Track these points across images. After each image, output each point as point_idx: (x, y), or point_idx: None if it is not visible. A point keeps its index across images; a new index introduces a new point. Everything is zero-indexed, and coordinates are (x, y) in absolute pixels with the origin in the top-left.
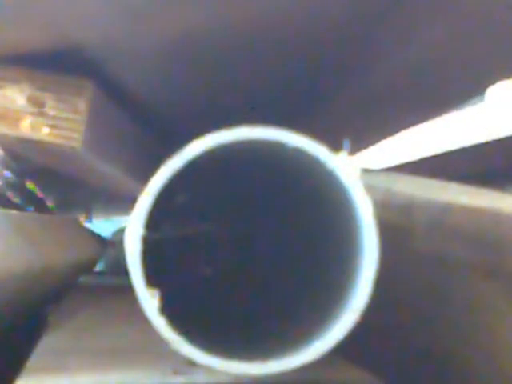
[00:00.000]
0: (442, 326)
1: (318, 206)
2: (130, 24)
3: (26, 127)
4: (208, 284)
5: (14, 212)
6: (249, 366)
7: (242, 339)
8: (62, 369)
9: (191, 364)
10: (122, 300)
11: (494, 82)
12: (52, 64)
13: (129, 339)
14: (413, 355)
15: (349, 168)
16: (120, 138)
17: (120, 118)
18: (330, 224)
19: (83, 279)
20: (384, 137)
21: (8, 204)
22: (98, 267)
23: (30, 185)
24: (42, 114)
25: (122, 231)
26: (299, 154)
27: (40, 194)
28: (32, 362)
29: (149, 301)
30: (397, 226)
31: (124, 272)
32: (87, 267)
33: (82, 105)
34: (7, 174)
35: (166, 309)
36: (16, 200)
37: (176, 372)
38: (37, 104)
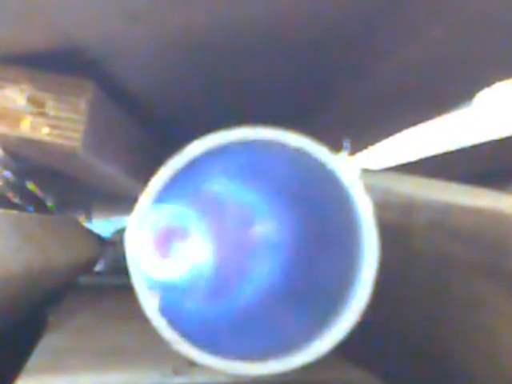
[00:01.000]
0: (441, 325)
1: (317, 206)
2: (130, 24)
3: (26, 127)
4: (208, 284)
5: (14, 212)
6: (249, 366)
7: (242, 339)
8: (62, 369)
9: (191, 364)
10: (122, 300)
11: (493, 82)
12: (52, 64)
13: (129, 339)
14: (413, 355)
15: (349, 168)
16: (120, 138)
17: (120, 118)
18: (330, 224)
19: (83, 279)
20: (384, 137)
21: (8, 204)
22: (98, 267)
23: (30, 185)
24: (42, 114)
25: (122, 231)
26: (299, 154)
27: (40, 194)
28: (32, 362)
29: (149, 301)
30: (397, 226)
31: (124, 272)
32: (87, 267)
33: (82, 105)
34: (7, 174)
35: (166, 309)
36: (16, 200)
37: (176, 372)
38: (37, 104)
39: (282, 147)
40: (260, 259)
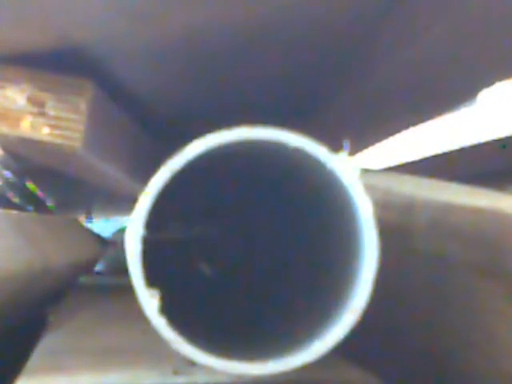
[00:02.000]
0: (441, 325)
1: (318, 206)
2: (130, 24)
3: (27, 127)
4: (208, 284)
5: (14, 212)
6: (249, 366)
7: (242, 339)
8: (62, 369)
9: (191, 364)
10: (122, 300)
11: (493, 82)
12: (52, 64)
13: (129, 339)
14: (412, 355)
15: (349, 168)
16: (120, 138)
17: (120, 118)
18: (330, 224)
19: (83, 279)
20: (384, 137)
21: (8, 204)
22: (98, 267)
23: (30, 185)
24: (42, 114)
25: (122, 231)
26: (299, 154)
27: (40, 194)
28: (32, 362)
29: (149, 301)
30: (397, 225)
31: (124, 272)
32: (87, 267)
33: (82, 105)
34: (7, 174)
35: (166, 309)
36: (16, 200)
37: (176, 372)
38: (37, 104)
39: (282, 147)
40: (260, 258)
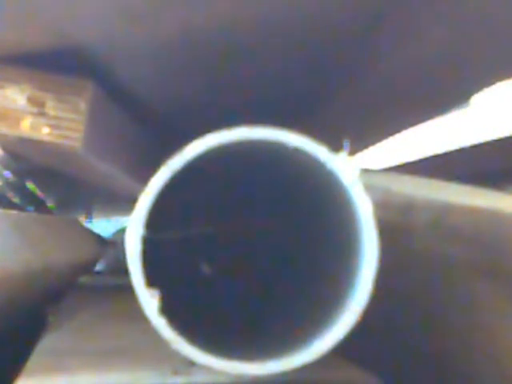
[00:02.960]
0: (441, 325)
1: (318, 206)
2: (130, 24)
3: (26, 127)
4: (208, 284)
5: (14, 212)
6: (249, 366)
7: (242, 339)
8: (62, 369)
9: (191, 364)
10: (122, 300)
11: (493, 82)
12: (52, 64)
13: (129, 339)
14: (412, 355)
15: (349, 168)
16: (120, 138)
17: (120, 118)
18: (330, 224)
19: (83, 279)
20: (384, 137)
21: (8, 204)
22: (98, 267)
23: (30, 185)
24: (42, 114)
25: (122, 231)
26: (299, 154)
27: (40, 194)
28: (32, 362)
29: (149, 301)
30: (397, 225)
31: (124, 272)
32: (87, 267)
33: (82, 105)
34: (7, 174)
35: (166, 309)
36: (16, 200)
37: (176, 372)
38: (37, 104)
39: (282, 147)
40: (260, 258)
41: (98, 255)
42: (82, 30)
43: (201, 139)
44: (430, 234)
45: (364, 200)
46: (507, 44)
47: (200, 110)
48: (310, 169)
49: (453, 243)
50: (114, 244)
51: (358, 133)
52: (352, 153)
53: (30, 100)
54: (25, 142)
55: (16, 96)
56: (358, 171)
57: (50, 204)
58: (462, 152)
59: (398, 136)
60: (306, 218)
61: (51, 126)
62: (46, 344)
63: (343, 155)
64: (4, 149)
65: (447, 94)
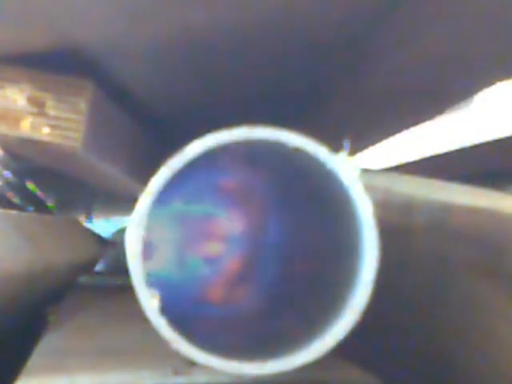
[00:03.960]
0: (441, 325)
1: (317, 206)
2: (130, 24)
3: (26, 127)
4: (208, 284)
5: (14, 212)
6: (249, 366)
7: (242, 339)
8: (62, 369)
9: (191, 364)
10: (122, 300)
11: (494, 83)
12: (52, 64)
13: (129, 339)
14: (413, 355)
15: (349, 168)
16: (120, 138)
17: (120, 118)
18: (330, 224)
19: (83, 279)
20: (384, 137)
21: (8, 204)
22: (98, 267)
23: (30, 185)
24: (42, 114)
25: (122, 231)
26: (299, 154)
27: (40, 194)
28: (32, 361)
29: (149, 301)
30: (397, 226)
31: (124, 272)
32: (87, 267)
33: (82, 105)
34: (7, 174)
35: (166, 309)
36: (16, 200)
37: (176, 372)
38: (37, 104)
39: (282, 147)
40: (260, 259)
41: (98, 255)
42: (82, 30)
43: (201, 139)
44: (430, 234)
45: (364, 200)
46: (507, 44)
47: (200, 110)
48: (310, 169)
49: (453, 243)
50: (114, 244)
51: (358, 133)
52: (352, 153)
53: (30, 100)
54: (25, 141)
55: (16, 96)
56: (358, 171)
57: (50, 204)
58: (462, 152)
59: (398, 136)
60: (305, 217)
61: (51, 126)
62: (46, 344)
63: (343, 155)
64: (4, 149)
65: (447, 94)
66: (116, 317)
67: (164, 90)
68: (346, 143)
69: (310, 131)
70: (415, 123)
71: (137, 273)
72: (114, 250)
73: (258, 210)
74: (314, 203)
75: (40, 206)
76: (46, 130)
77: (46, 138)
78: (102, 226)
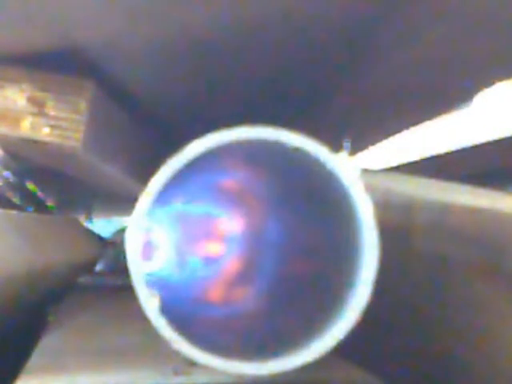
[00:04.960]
0: (441, 325)
1: (318, 206)
2: (130, 24)
3: (26, 127)
4: (208, 284)
5: (14, 212)
6: (249, 366)
7: (242, 339)
8: (62, 369)
9: (191, 364)
10: (122, 300)
11: (494, 83)
12: (52, 64)
13: (129, 339)
14: (412, 355)
15: (349, 168)
16: (120, 138)
17: (120, 118)
18: (330, 224)
19: (83, 279)
20: (384, 137)
21: (8, 204)
22: (98, 267)
23: (30, 185)
24: (42, 114)
25: (122, 231)
26: (299, 154)
27: (40, 194)
28: (32, 361)
29: (149, 301)
30: (397, 225)
31: (124, 272)
32: (87, 267)
33: (82, 105)
34: (7, 174)
35: (166, 309)
36: (16, 200)
37: (176, 372)
38: (37, 104)
39: (282, 147)
40: (260, 259)
41: (98, 255)
42: (82, 30)
43: (201, 139)
44: (430, 233)
45: (364, 200)
46: (507, 44)
47: (200, 110)
48: (310, 169)
49: (453, 243)
50: (114, 244)
51: (358, 133)
52: (352, 153)
53: (30, 100)
54: (25, 142)
55: (16, 96)
56: (358, 171)
57: (50, 204)
58: (462, 152)
59: (398, 136)
60: (305, 217)
61: (51, 126)
62: (46, 344)
63: (343, 155)
64: (4, 149)
65: (447, 94)
66: (116, 317)
67: (164, 90)
68: (346, 143)
69: (310, 131)
70: (415, 123)
71: (137, 273)
72: (114, 250)
73: (258, 210)
74: (314, 203)
75: (40, 206)
76: (45, 130)
77: (46, 138)
78: (102, 225)
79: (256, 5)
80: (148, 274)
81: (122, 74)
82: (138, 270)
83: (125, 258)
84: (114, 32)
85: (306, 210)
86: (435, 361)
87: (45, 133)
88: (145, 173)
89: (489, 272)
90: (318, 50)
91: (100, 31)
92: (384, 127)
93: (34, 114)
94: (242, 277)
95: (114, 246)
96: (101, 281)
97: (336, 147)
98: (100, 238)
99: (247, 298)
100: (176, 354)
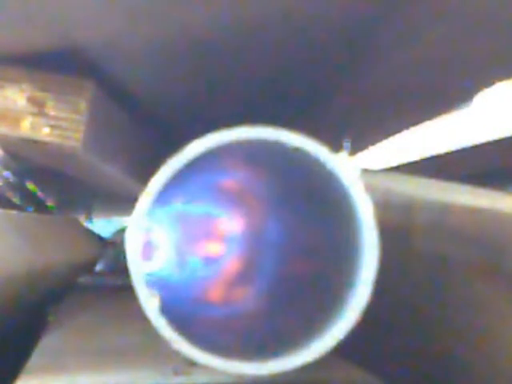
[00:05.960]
0: (441, 325)
1: (318, 206)
2: (130, 24)
3: (26, 127)
4: (208, 284)
5: (14, 212)
6: (249, 366)
7: (242, 339)
8: (62, 369)
9: (191, 364)
10: (122, 300)
11: (494, 83)
12: (52, 64)
13: (129, 339)
14: (412, 355)
15: (349, 168)
16: (120, 138)
17: (120, 118)
18: (330, 224)
19: (83, 279)
20: (384, 137)
21: (8, 204)
22: (98, 267)
23: (30, 185)
24: (42, 114)
25: (122, 231)
26: (299, 154)
27: (40, 194)
28: (32, 361)
29: (149, 301)
30: (397, 225)
31: (124, 272)
32: (87, 267)
33: (82, 105)
34: (7, 174)
35: (166, 309)
36: (16, 200)
37: (176, 372)
38: (37, 104)
39: (282, 147)
40: (260, 259)
41: (98, 255)
42: (82, 30)
43: (201, 139)
44: (430, 233)
45: (364, 200)
46: (507, 44)
47: (200, 110)
48: (310, 169)
49: (453, 243)
50: (114, 244)
51: (358, 133)
52: (352, 153)
53: (30, 100)
54: (25, 142)
55: (16, 96)
56: (358, 171)
57: (50, 204)
58: (462, 152)
59: (398, 136)
60: (305, 217)
61: (51, 126)
62: (46, 344)
63: (343, 155)
64: (4, 149)
65: (447, 94)
66: (116, 317)
67: (164, 90)
68: (346, 143)
69: (310, 131)
70: (415, 123)
71: (137, 273)
72: (114, 250)
73: (258, 210)
74: (314, 203)
75: (40, 206)
76: (45, 130)
77: (46, 138)
78: (102, 225)
79: (256, 5)
80: (148, 274)
81: (122, 74)
82: (138, 270)
83: (125, 258)
84: (114, 32)
85: (306, 210)
86: (435, 361)
87: (45, 133)
88: (145, 173)
89: (489, 272)
90: (317, 50)
91: (100, 31)
92: (384, 127)
93: (34, 114)
94: (242, 277)
95: (113, 246)
96: (101, 281)
97: (336, 147)
98: (100, 238)
99: (247, 298)
100: (176, 354)
